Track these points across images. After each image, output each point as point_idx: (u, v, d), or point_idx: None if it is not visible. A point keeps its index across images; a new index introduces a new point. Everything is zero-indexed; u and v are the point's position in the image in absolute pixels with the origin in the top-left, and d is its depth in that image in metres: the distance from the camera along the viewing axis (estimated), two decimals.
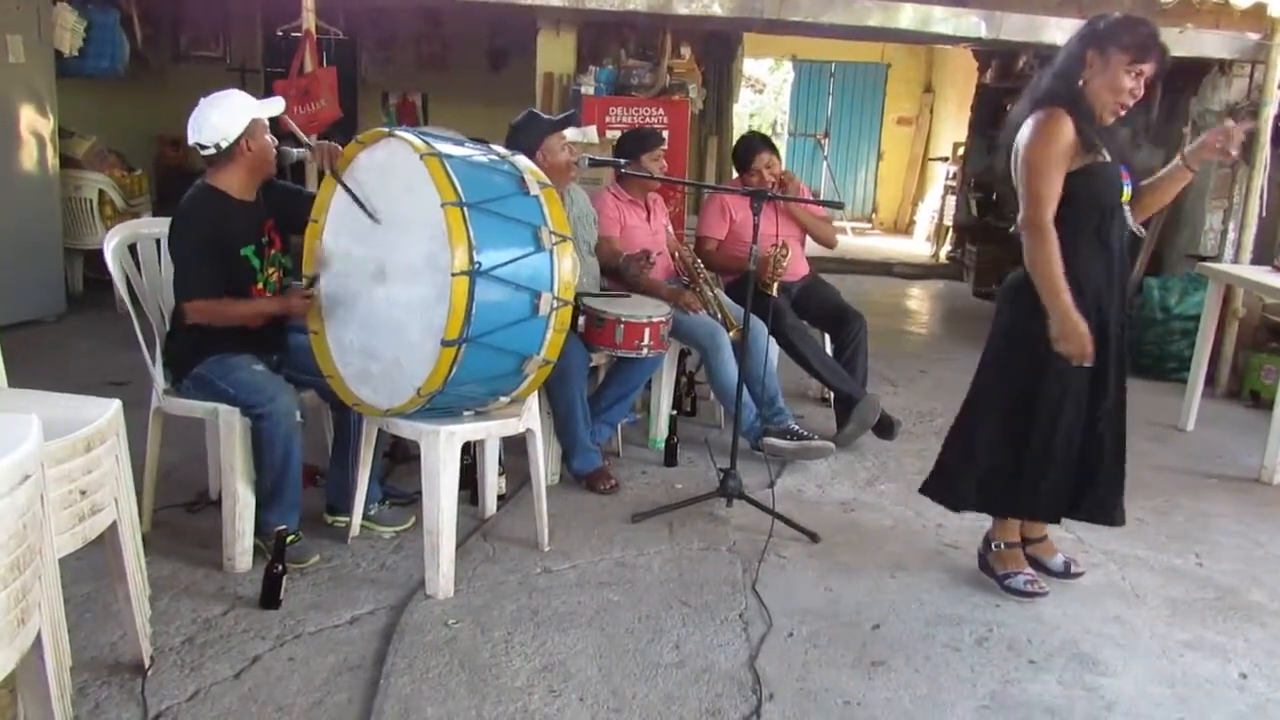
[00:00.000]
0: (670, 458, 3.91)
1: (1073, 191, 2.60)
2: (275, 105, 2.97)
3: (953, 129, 11.04)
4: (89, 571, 2.53)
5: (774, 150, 4.32)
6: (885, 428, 4.20)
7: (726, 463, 3.41)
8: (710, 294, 3.96)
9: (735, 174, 4.47)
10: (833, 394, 4.39)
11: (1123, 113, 2.62)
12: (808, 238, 4.54)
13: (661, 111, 5.91)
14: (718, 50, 7.57)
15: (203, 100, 2.85)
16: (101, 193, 6.30)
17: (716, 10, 5.42)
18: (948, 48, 10.24)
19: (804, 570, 3.04)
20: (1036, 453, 2.76)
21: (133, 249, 3.01)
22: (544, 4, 5.53)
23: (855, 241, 11.16)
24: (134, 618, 2.27)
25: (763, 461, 3.76)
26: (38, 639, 1.66)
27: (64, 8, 5.94)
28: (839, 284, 4.84)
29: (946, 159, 10.85)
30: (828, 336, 4.53)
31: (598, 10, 5.53)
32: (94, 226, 6.22)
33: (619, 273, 3.85)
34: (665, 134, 5.66)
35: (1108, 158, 2.62)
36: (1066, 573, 3.02)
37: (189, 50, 8.31)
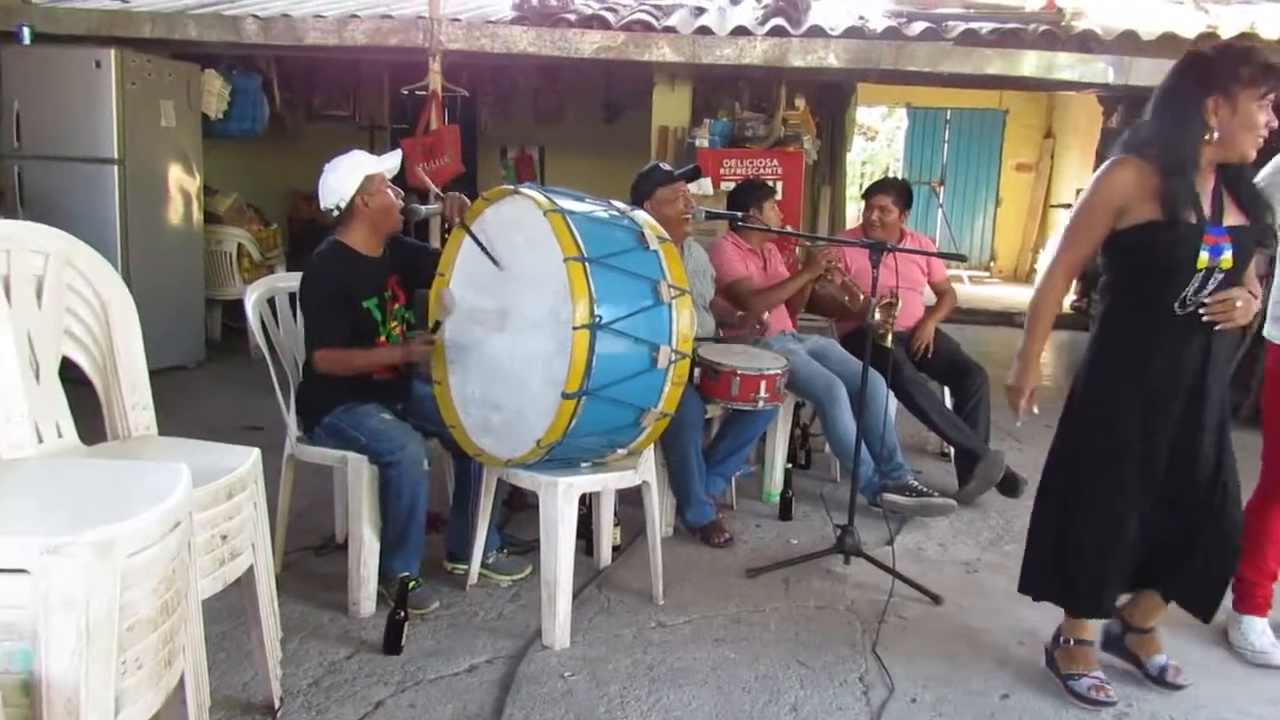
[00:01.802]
0: (785, 512, 3.85)
1: (1124, 248, 2.39)
2: (392, 160, 3.06)
3: (1075, 175, 10.73)
4: (224, 612, 2.63)
5: (899, 196, 4.28)
6: (1010, 485, 4.05)
7: (843, 518, 3.34)
8: (843, 278, 4.00)
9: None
10: (953, 449, 4.26)
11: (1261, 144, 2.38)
12: (926, 289, 4.46)
13: (776, 163, 5.93)
14: (831, 100, 7.56)
15: (325, 166, 3.00)
16: (240, 246, 6.67)
17: (832, 61, 5.43)
18: (1070, 93, 9.98)
19: (926, 633, 2.94)
20: (1070, 531, 2.53)
21: (271, 302, 3.16)
22: (660, 59, 5.64)
23: (973, 291, 10.90)
24: (266, 660, 2.35)
25: (880, 518, 3.67)
26: (181, 680, 1.74)
27: (211, 74, 6.37)
28: (956, 334, 4.73)
29: (1069, 206, 10.53)
30: (947, 390, 4.42)
31: (713, 64, 5.61)
32: (233, 278, 6.58)
33: (734, 328, 3.85)
34: (779, 185, 5.69)
35: (1191, 219, 2.31)
36: (1162, 679, 2.63)
37: (321, 110, 8.76)
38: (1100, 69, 5.42)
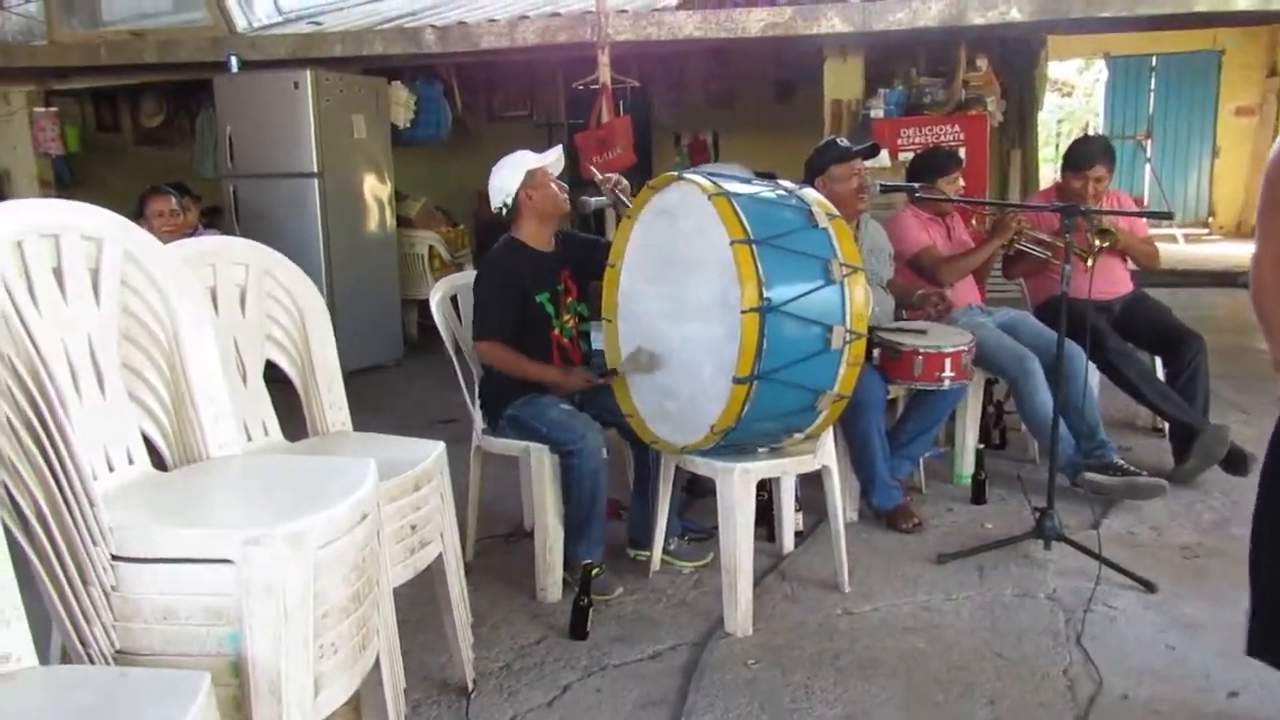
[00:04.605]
0: (978, 495, 3.66)
1: None
2: (553, 154, 3.12)
3: None
4: (422, 598, 2.74)
5: (1111, 164, 3.95)
6: (1236, 462, 3.68)
7: (1042, 501, 3.14)
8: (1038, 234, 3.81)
9: (1061, 174, 4.14)
10: (1168, 424, 3.93)
11: None
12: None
13: (957, 128, 5.64)
14: (1018, 56, 7.11)
15: (493, 169, 3.10)
16: (431, 248, 7.01)
17: (1015, 16, 5.10)
18: None
19: (1139, 624, 2.72)
20: None
21: (455, 300, 3.29)
22: (829, 30, 5.48)
23: (1188, 250, 10.03)
24: (459, 644, 2.45)
25: (1084, 500, 3.43)
26: (377, 662, 1.83)
27: (398, 86, 6.71)
28: (1169, 299, 4.34)
29: None
30: (1159, 360, 4.07)
31: (886, 31, 5.40)
32: (425, 278, 6.92)
33: (916, 309, 3.68)
34: (962, 151, 5.41)
35: None
36: None
37: (501, 111, 9.06)
38: None
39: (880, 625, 2.76)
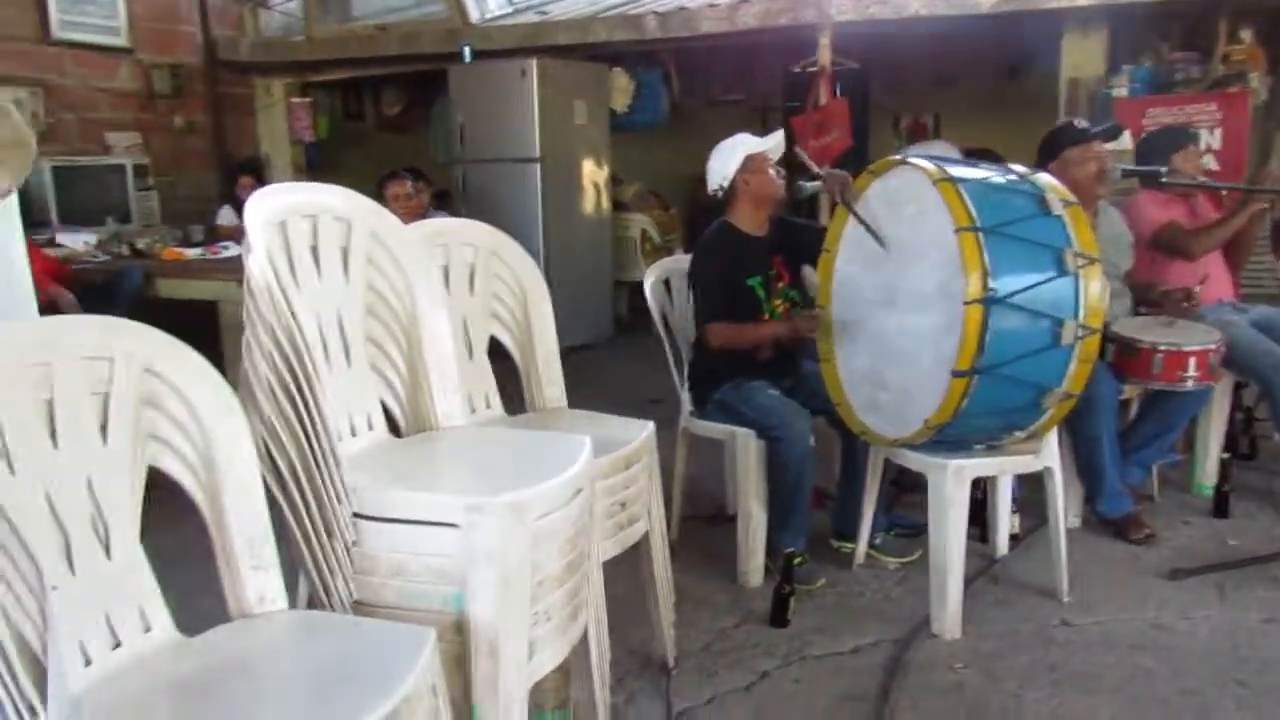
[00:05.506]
0: (1221, 508, 3.36)
1: None
2: (773, 139, 3.09)
3: None
4: (628, 574, 2.81)
5: None
6: None
7: None
8: None
9: None
10: None
11: None
12: None
13: (1213, 107, 5.12)
14: None
15: (711, 152, 3.10)
16: (643, 231, 7.14)
17: None
18: None
19: None
20: None
21: (666, 284, 3.34)
22: (1068, 4, 5.13)
23: None
24: (661, 622, 2.50)
25: None
26: (585, 633, 1.90)
27: (618, 72, 6.85)
28: None
29: None
30: None
31: (1133, 3, 4.99)
32: (637, 261, 7.06)
33: (1157, 305, 3.39)
34: (1218, 133, 4.94)
35: None
36: None
37: (717, 96, 9.05)
38: None
39: (1102, 639, 2.59)
